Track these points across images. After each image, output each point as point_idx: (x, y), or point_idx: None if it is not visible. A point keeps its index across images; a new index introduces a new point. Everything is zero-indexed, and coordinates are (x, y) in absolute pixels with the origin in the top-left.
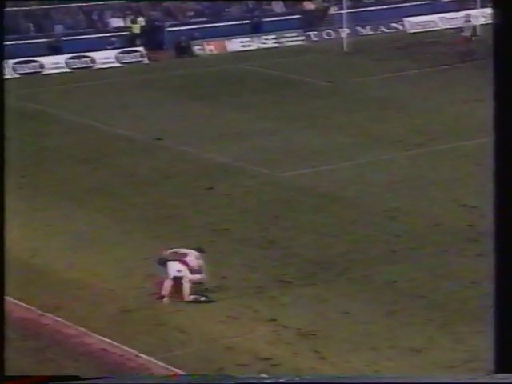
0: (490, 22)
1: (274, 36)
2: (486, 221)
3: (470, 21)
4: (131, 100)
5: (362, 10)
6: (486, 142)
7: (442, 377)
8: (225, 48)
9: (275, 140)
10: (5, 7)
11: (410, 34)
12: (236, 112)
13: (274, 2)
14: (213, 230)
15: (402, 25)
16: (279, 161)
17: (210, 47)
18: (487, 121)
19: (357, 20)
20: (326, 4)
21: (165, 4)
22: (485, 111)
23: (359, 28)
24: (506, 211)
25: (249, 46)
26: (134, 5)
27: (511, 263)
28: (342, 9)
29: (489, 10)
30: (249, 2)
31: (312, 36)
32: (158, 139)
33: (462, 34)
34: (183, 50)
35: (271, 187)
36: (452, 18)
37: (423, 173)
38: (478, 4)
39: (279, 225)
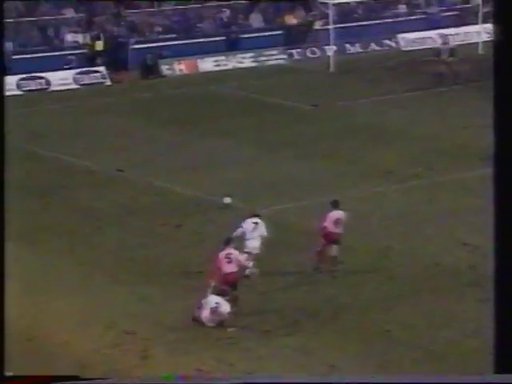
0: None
1: (251, 54)
2: (490, 261)
3: (447, 42)
4: (90, 126)
5: (350, 25)
6: (488, 173)
7: (442, 377)
8: (196, 68)
9: (253, 171)
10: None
11: (405, 52)
12: (209, 139)
13: (252, 15)
14: (183, 272)
15: (396, 42)
16: (258, 194)
17: (179, 67)
18: (490, 149)
19: (345, 36)
20: (310, 18)
21: (129, 18)
22: (487, 139)
23: (347, 45)
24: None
25: (224, 65)
26: (95, 19)
27: (511, 264)
28: (328, 24)
29: (491, 26)
30: (224, 15)
31: (294, 54)
32: (121, 170)
33: (439, 56)
34: (150, 70)
35: None
36: (452, 35)
37: (418, 208)
38: (480, 19)
39: (258, 267)
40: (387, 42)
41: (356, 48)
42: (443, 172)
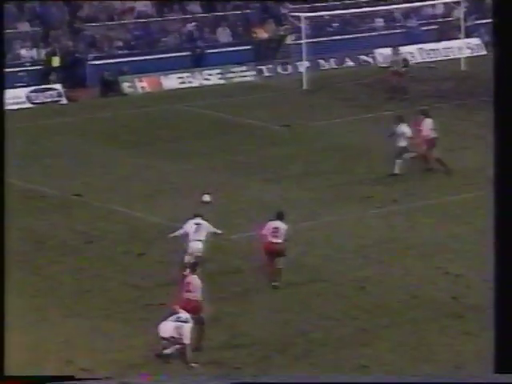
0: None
1: (219, 71)
2: (473, 292)
3: (398, 54)
4: (45, 148)
5: (324, 39)
6: (473, 197)
7: (443, 377)
8: (160, 85)
9: (221, 195)
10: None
11: (383, 68)
12: (173, 162)
13: (219, 29)
14: (146, 305)
15: (373, 57)
16: (226, 221)
17: (141, 84)
18: (475, 172)
19: (318, 51)
20: (281, 32)
21: (87, 32)
22: (472, 161)
23: (321, 61)
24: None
25: (189, 82)
26: (51, 33)
27: (511, 262)
28: (300, 38)
29: (474, 40)
30: (189, 29)
31: (265, 71)
32: (78, 195)
33: (390, 68)
34: (109, 88)
35: (217, 253)
36: (432, 50)
37: (398, 235)
38: (463, 33)
39: (225, 298)
40: (364, 57)
41: (330, 64)
42: (424, 196)
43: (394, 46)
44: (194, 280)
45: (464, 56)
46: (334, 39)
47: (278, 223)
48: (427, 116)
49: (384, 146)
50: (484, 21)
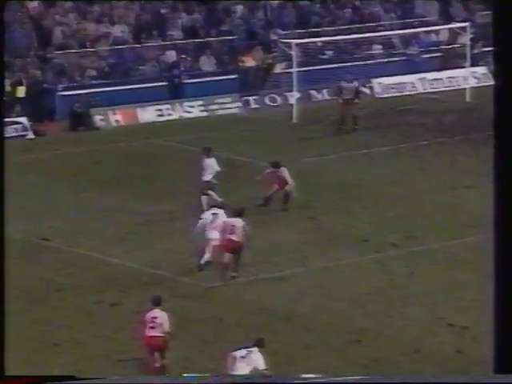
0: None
1: (201, 102)
2: (480, 345)
3: (350, 81)
4: (9, 188)
5: (317, 68)
6: (478, 241)
7: (442, 377)
8: (136, 118)
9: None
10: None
11: (381, 99)
12: (150, 202)
13: (202, 57)
14: (119, 360)
15: (370, 88)
16: (209, 267)
17: (115, 117)
18: (480, 213)
19: (310, 81)
20: (270, 60)
21: (56, 60)
22: (477, 201)
23: (313, 92)
24: None
25: (168, 115)
26: (16, 61)
27: (511, 260)
28: (291, 67)
29: (481, 69)
30: (169, 57)
31: (251, 102)
32: (45, 239)
33: (340, 97)
34: (80, 121)
35: (198, 302)
36: (435, 80)
37: (398, 282)
38: (468, 62)
39: (208, 353)
40: (360, 88)
41: (323, 95)
42: (426, 240)
43: (347, 74)
44: (159, 316)
45: (469, 86)
46: (328, 68)
47: (235, 220)
48: (238, 215)
49: (382, 184)
50: (491, 48)
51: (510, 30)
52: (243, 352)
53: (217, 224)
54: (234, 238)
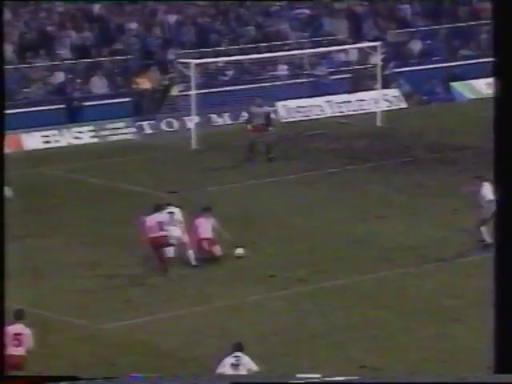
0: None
1: (92, 128)
2: None
3: (261, 105)
4: None
5: (217, 90)
6: (392, 275)
7: (442, 377)
8: (20, 145)
9: (94, 276)
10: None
11: (286, 123)
12: (35, 237)
13: (93, 78)
14: None
15: (275, 111)
16: (101, 306)
17: None
18: (393, 246)
19: (210, 104)
20: (166, 82)
21: None
22: (390, 233)
23: (214, 116)
24: None
25: (56, 141)
26: None
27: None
28: (189, 89)
29: (393, 92)
30: (57, 78)
31: (146, 127)
32: None
33: (251, 123)
34: None
35: (88, 345)
36: (344, 102)
37: (306, 321)
38: (379, 83)
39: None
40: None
41: (224, 119)
42: (336, 275)
43: (256, 98)
44: (24, 333)
45: (380, 110)
46: (229, 90)
47: (161, 216)
48: (158, 210)
49: (288, 215)
50: (404, 69)
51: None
52: (232, 359)
53: (145, 221)
54: (160, 233)
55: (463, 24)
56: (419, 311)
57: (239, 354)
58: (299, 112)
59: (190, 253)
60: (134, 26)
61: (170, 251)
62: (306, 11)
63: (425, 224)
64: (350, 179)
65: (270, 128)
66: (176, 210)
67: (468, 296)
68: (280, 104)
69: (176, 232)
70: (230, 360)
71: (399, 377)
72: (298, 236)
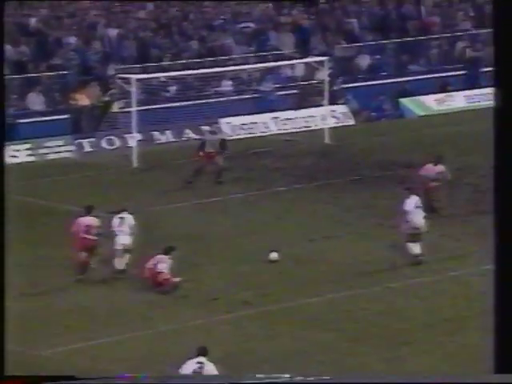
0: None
1: (28, 146)
2: None
3: (215, 132)
4: None
5: (160, 106)
6: (340, 298)
7: (442, 377)
8: None
9: (32, 300)
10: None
11: (230, 141)
12: None
13: (30, 94)
14: None
15: (218, 128)
16: (37, 331)
17: None
18: (341, 268)
19: (153, 121)
20: (107, 98)
21: None
22: (338, 253)
23: (156, 133)
24: None
25: None
26: None
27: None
28: (130, 105)
29: (341, 108)
30: None
31: (86, 145)
32: None
33: (201, 150)
34: None
35: (25, 371)
36: (290, 119)
37: (252, 345)
38: (326, 100)
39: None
40: (207, 128)
41: (167, 136)
42: (282, 298)
43: (211, 124)
44: None
45: (328, 126)
46: (172, 106)
47: (89, 219)
48: (88, 213)
49: (233, 236)
50: (352, 84)
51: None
52: (194, 365)
53: (74, 223)
54: (88, 236)
55: (412, 38)
56: (368, 334)
57: (203, 359)
58: (244, 129)
59: (126, 257)
60: (72, 39)
61: (116, 261)
62: (251, 25)
63: (374, 244)
64: (296, 198)
65: (224, 153)
66: (128, 217)
67: (418, 319)
68: (224, 121)
69: (124, 239)
70: (192, 366)
71: (399, 377)
72: (242, 257)
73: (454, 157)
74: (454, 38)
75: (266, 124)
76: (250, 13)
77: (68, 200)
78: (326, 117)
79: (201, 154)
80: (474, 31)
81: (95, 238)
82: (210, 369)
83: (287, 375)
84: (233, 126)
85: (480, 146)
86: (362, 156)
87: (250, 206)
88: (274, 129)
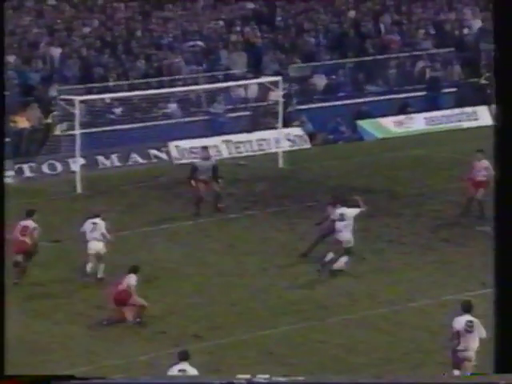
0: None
1: None
2: None
3: (208, 158)
4: None
5: (104, 129)
6: (295, 330)
7: (442, 377)
8: None
9: None
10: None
11: (180, 165)
12: None
13: None
14: None
15: (167, 152)
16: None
17: None
18: (296, 298)
19: (97, 145)
20: (48, 120)
21: None
22: (292, 283)
23: (101, 157)
24: None
25: None
26: None
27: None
28: (73, 127)
29: (295, 131)
30: None
31: (26, 170)
32: None
33: (194, 178)
34: None
35: None
36: (243, 142)
37: (202, 381)
38: (280, 122)
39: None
40: (155, 152)
41: (112, 161)
42: (234, 331)
43: (204, 149)
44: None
45: (282, 150)
46: (117, 129)
47: (28, 222)
48: (29, 216)
49: (182, 264)
50: (308, 106)
51: None
52: (177, 373)
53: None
54: (24, 239)
55: (371, 57)
56: (325, 368)
57: (186, 364)
58: (193, 153)
59: (101, 266)
60: (12, 58)
61: (88, 266)
62: (201, 43)
63: (331, 274)
64: (249, 226)
65: (218, 181)
66: (100, 223)
67: (377, 352)
68: (172, 144)
69: (95, 245)
70: (175, 373)
71: (399, 377)
72: (191, 288)
73: (413, 182)
74: (413, 57)
75: (218, 147)
76: (199, 31)
77: (7, 228)
78: (281, 140)
79: (192, 183)
80: (434, 50)
81: (31, 240)
82: (194, 374)
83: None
84: (182, 150)
85: (442, 171)
86: (318, 181)
87: (200, 234)
88: (225, 153)
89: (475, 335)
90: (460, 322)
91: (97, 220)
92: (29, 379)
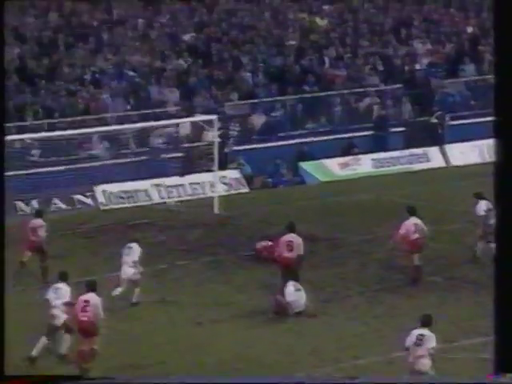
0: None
1: None
2: None
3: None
4: None
5: (24, 172)
6: None
7: (442, 377)
8: None
9: None
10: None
11: (106, 211)
12: None
13: None
14: None
15: (93, 197)
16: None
17: None
18: (233, 354)
19: (16, 189)
20: None
21: None
22: (229, 338)
23: (20, 203)
24: None
25: None
26: None
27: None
28: None
29: (232, 173)
30: None
31: None
32: None
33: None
34: None
35: None
36: (174, 186)
37: None
38: (216, 164)
39: None
40: (80, 197)
41: (32, 207)
42: None
43: (85, 192)
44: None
45: (218, 194)
46: (38, 172)
47: (37, 221)
48: None
49: (107, 320)
50: (245, 146)
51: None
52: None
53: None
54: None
55: (314, 94)
56: None
57: (133, 244)
58: (122, 198)
59: (137, 290)
60: None
61: (117, 290)
62: (130, 78)
63: (271, 330)
64: (181, 276)
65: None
66: (136, 249)
67: None
68: (98, 189)
69: (128, 271)
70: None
71: (399, 377)
72: (118, 345)
73: (360, 229)
74: (360, 93)
75: (147, 191)
76: (128, 63)
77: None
78: (216, 183)
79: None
80: (382, 87)
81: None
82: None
83: None
84: (109, 195)
85: (390, 217)
86: (257, 228)
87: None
88: (156, 197)
89: (424, 347)
90: (412, 336)
91: (132, 244)
92: (29, 379)
